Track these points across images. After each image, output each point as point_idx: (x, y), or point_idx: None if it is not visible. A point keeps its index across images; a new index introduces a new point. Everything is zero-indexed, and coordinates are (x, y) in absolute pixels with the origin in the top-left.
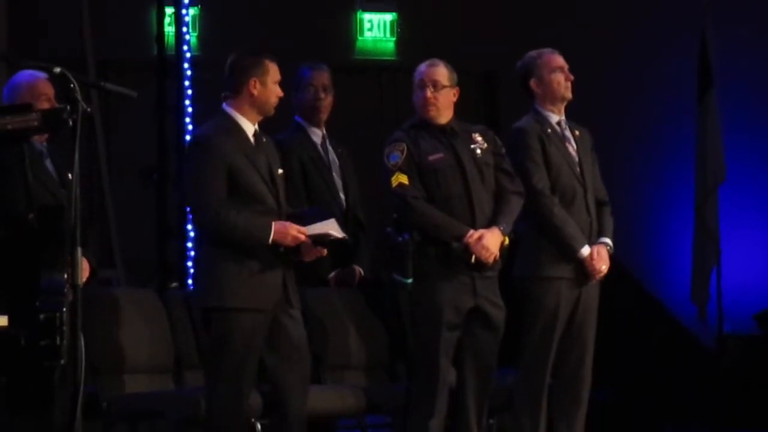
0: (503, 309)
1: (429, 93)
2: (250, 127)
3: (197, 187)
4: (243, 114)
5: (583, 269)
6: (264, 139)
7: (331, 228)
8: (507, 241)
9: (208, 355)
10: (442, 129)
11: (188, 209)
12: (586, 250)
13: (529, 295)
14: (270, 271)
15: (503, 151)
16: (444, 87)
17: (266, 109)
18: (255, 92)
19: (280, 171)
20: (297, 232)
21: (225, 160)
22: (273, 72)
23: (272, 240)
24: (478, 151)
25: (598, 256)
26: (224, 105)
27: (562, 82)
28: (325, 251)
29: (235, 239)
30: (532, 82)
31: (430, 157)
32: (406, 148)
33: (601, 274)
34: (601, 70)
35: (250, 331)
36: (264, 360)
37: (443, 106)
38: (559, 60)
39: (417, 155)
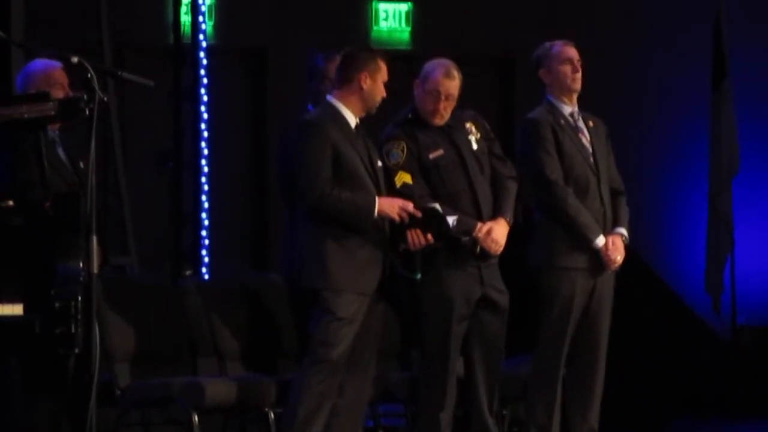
0: (507, 293)
1: (442, 105)
2: (352, 119)
3: (304, 168)
4: (347, 105)
5: (598, 259)
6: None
7: (439, 207)
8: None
9: (310, 334)
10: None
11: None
12: (601, 240)
13: (544, 285)
14: (375, 254)
15: (492, 135)
16: (455, 98)
17: (371, 104)
18: (365, 86)
19: (379, 163)
20: (404, 203)
21: (331, 143)
22: (383, 71)
23: (378, 212)
24: (474, 142)
25: (614, 246)
26: (329, 96)
27: (569, 74)
28: (432, 239)
29: (342, 214)
30: (542, 72)
31: (431, 155)
32: (405, 145)
33: (617, 264)
34: (615, 60)
35: (354, 313)
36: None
37: (448, 114)
38: (569, 52)
39: (417, 152)
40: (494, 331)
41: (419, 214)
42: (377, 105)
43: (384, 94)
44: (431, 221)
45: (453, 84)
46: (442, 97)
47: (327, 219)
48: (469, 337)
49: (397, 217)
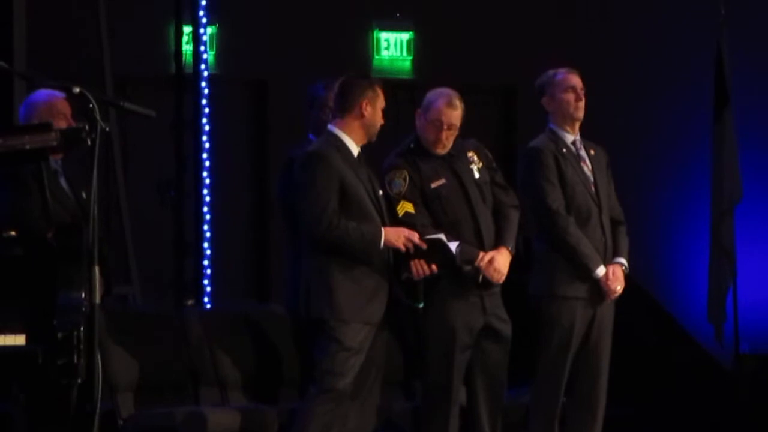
0: (509, 322)
1: (444, 135)
2: (355, 148)
3: (312, 199)
4: (349, 134)
5: (598, 289)
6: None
7: (444, 238)
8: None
9: (317, 365)
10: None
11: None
12: (601, 270)
13: (544, 314)
14: (380, 284)
15: (494, 164)
16: (457, 128)
17: (372, 131)
18: (366, 113)
19: (381, 192)
20: (409, 233)
21: (337, 174)
22: (382, 97)
23: (384, 242)
24: (476, 171)
25: (614, 276)
26: (330, 125)
27: (572, 102)
28: (435, 267)
29: (349, 245)
30: (545, 100)
31: (433, 184)
32: (407, 174)
33: (616, 294)
34: (616, 88)
35: (360, 343)
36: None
37: (450, 143)
38: (573, 80)
39: (419, 181)
40: (497, 361)
41: (424, 246)
42: (377, 132)
43: (383, 121)
44: (436, 251)
45: (455, 114)
46: (445, 127)
47: (334, 250)
48: (471, 367)
49: (402, 248)
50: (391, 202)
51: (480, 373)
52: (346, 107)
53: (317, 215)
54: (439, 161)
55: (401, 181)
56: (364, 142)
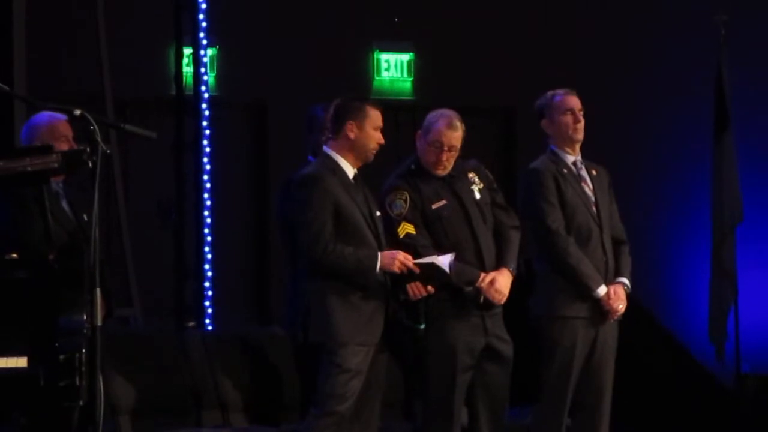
0: (511, 343)
1: (444, 156)
2: (350, 170)
3: (307, 222)
4: (342, 156)
5: (599, 309)
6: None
7: (439, 261)
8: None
9: (318, 388)
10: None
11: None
12: (602, 290)
13: (546, 335)
14: (376, 306)
15: (495, 185)
16: (458, 149)
17: (363, 153)
18: (352, 135)
19: (378, 213)
20: (404, 258)
21: (332, 197)
22: (373, 118)
23: (380, 267)
24: (476, 192)
25: (615, 295)
26: (325, 147)
27: (571, 124)
28: (433, 289)
29: (345, 269)
30: (544, 122)
31: (434, 205)
32: (408, 196)
33: (618, 314)
34: (618, 109)
35: (358, 365)
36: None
37: (451, 165)
38: (571, 101)
39: (419, 202)
40: (498, 381)
41: (417, 270)
42: (372, 152)
43: (379, 141)
44: (430, 274)
45: (455, 135)
46: (445, 148)
47: (330, 273)
48: (473, 387)
49: (398, 271)
50: (392, 224)
51: (482, 393)
52: (336, 129)
53: (313, 239)
54: (439, 182)
55: (402, 202)
56: (359, 164)
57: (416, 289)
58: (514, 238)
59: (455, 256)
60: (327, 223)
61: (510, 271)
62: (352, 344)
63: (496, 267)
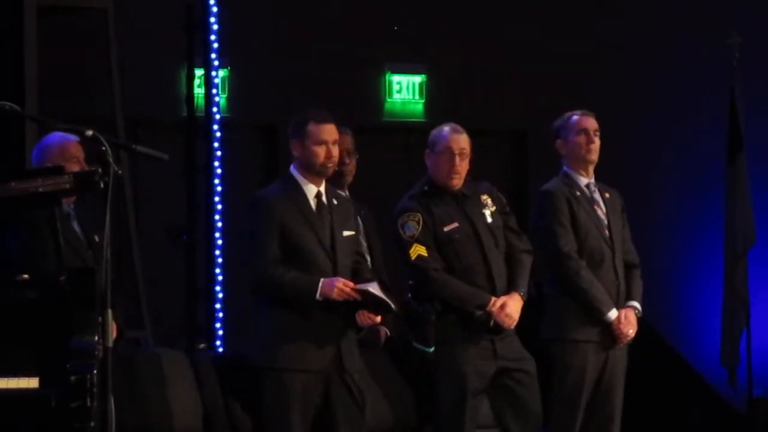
0: (530, 358)
1: (457, 162)
2: (312, 189)
3: (252, 246)
4: (302, 174)
5: (610, 332)
6: (335, 201)
7: (373, 288)
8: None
9: (261, 414)
10: (454, 195)
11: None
12: (613, 314)
13: (556, 358)
14: (323, 332)
15: (508, 209)
16: (468, 155)
17: (315, 169)
18: (296, 153)
19: (347, 233)
20: (343, 285)
21: (279, 220)
22: (314, 134)
23: (320, 294)
24: (488, 215)
25: (626, 320)
26: (291, 167)
27: (584, 145)
28: (379, 318)
29: (283, 296)
30: (558, 142)
31: (446, 228)
32: (421, 218)
33: (628, 338)
34: (630, 132)
35: (302, 391)
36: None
37: (464, 174)
38: (585, 122)
39: (432, 225)
40: (524, 395)
41: (357, 296)
42: (326, 168)
43: (327, 156)
44: (371, 302)
45: (463, 138)
46: (456, 152)
47: (271, 298)
48: (503, 408)
49: (338, 298)
50: (404, 245)
51: (512, 413)
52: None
53: (254, 260)
54: (452, 204)
55: (414, 224)
56: (320, 180)
57: (364, 318)
58: (526, 262)
59: (378, 284)
60: (270, 245)
61: (521, 295)
62: (291, 371)
63: (507, 291)
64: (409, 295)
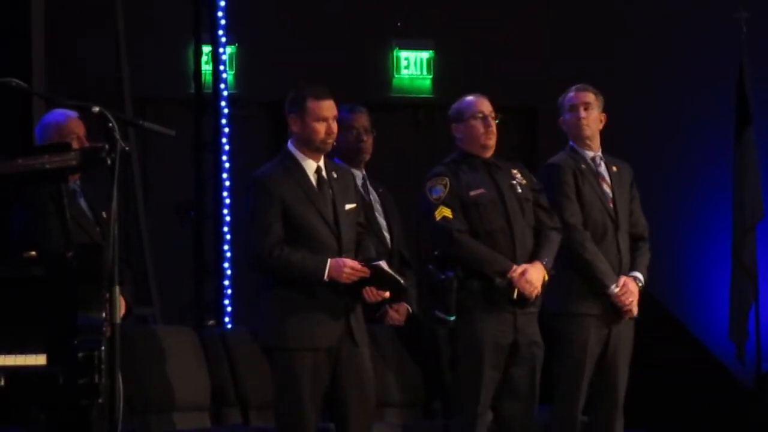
0: (542, 347)
1: (490, 122)
2: (311, 164)
3: (252, 226)
4: (299, 150)
5: (613, 307)
6: (335, 175)
7: (384, 265)
8: (547, 277)
9: (272, 392)
10: (484, 162)
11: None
12: (616, 287)
13: (559, 332)
14: (330, 309)
15: (539, 187)
16: (494, 118)
17: (314, 145)
18: (295, 129)
19: (349, 206)
20: (351, 268)
21: (280, 199)
22: (314, 110)
23: (328, 277)
24: (518, 186)
25: (625, 287)
26: (288, 143)
27: (573, 121)
28: (388, 293)
29: (290, 278)
30: (560, 120)
31: (472, 192)
32: (448, 182)
33: (629, 308)
34: (638, 106)
35: (311, 369)
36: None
37: (495, 137)
38: (575, 98)
39: (459, 189)
40: (523, 382)
41: (367, 273)
42: (325, 144)
43: (327, 132)
44: (381, 278)
45: (486, 102)
46: (487, 113)
47: (277, 280)
48: (499, 389)
49: (346, 280)
50: (430, 207)
51: (508, 395)
52: (288, 123)
53: (257, 243)
54: (482, 171)
55: (442, 187)
56: (318, 156)
57: (371, 295)
58: (554, 238)
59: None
60: (272, 226)
61: (543, 264)
62: (302, 349)
63: (530, 260)
64: (431, 266)
